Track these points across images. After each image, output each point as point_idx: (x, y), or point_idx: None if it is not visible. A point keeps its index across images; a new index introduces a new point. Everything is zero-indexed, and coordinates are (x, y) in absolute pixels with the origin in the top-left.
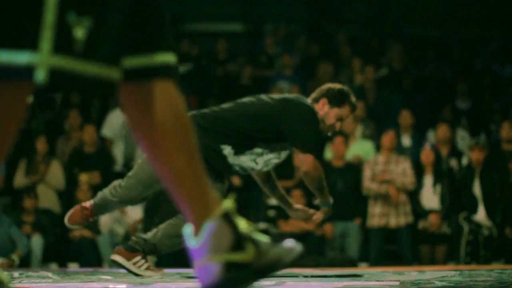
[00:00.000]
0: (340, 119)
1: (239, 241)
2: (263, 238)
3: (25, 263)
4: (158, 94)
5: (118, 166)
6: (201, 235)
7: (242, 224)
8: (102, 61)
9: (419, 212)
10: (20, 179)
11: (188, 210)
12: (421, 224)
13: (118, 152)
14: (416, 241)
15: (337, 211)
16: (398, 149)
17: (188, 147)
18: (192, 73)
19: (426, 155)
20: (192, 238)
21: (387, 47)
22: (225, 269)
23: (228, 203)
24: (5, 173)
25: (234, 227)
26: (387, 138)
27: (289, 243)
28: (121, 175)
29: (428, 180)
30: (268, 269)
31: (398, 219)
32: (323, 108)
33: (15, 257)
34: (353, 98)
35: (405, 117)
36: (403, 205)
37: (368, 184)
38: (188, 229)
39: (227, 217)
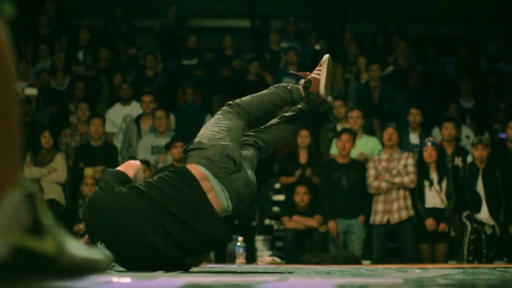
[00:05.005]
0: None
1: (37, 228)
2: (70, 240)
3: None
4: None
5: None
6: None
7: (46, 214)
8: None
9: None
10: (27, 171)
11: None
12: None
13: (118, 145)
14: (417, 239)
15: (341, 208)
16: (406, 147)
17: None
18: (198, 69)
19: (429, 154)
20: None
21: (393, 45)
22: (14, 252)
23: (33, 186)
24: None
25: (34, 210)
26: (386, 135)
27: (97, 254)
28: None
29: (433, 178)
30: (71, 272)
31: (400, 213)
32: None
33: None
34: None
35: (415, 115)
36: (404, 199)
37: (372, 182)
38: None
39: (29, 198)
